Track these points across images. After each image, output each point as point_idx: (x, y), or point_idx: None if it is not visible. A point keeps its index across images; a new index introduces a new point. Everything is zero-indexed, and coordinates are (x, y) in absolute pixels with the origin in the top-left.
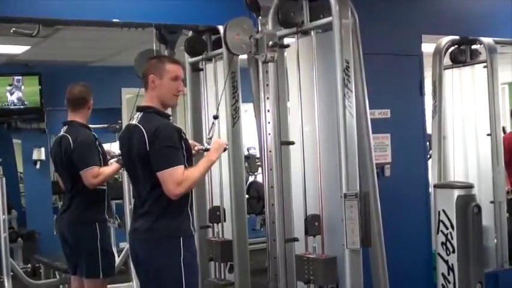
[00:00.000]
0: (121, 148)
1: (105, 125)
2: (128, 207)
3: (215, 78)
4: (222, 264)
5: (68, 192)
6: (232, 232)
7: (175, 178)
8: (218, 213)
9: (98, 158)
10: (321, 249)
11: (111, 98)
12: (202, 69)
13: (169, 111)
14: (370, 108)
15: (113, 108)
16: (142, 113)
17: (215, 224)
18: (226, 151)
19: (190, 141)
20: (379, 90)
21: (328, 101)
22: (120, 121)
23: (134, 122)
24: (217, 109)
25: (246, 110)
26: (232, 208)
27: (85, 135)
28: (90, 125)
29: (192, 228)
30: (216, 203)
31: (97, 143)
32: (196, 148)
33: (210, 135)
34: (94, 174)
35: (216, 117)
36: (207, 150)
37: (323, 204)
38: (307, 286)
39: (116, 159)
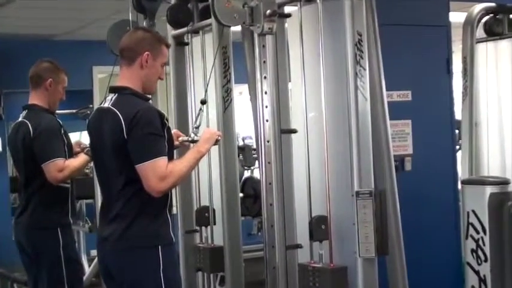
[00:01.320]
0: (90, 136)
1: (73, 110)
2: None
3: (203, 54)
4: (211, 275)
5: (24, 190)
6: (224, 237)
7: (158, 172)
8: (207, 214)
9: (63, 149)
10: (328, 258)
11: (80, 79)
12: (187, 44)
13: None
14: (387, 90)
15: (83, 91)
16: (116, 95)
17: (203, 228)
18: (218, 142)
19: (174, 131)
20: (398, 68)
21: (337, 82)
22: (91, 105)
23: (107, 104)
24: (206, 92)
25: (240, 92)
26: (223, 209)
27: (48, 122)
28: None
29: (171, 234)
30: (205, 202)
31: (62, 131)
32: (180, 139)
33: (197, 123)
34: (59, 168)
35: (203, 101)
36: (193, 141)
37: (331, 204)
38: None
39: (85, 150)
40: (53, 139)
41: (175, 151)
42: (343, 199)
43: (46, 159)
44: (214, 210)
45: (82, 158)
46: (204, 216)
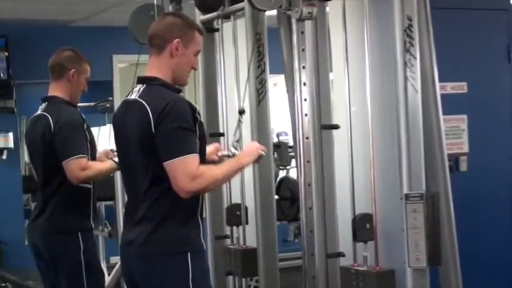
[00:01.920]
0: (114, 130)
1: (92, 103)
2: (122, 211)
3: (234, 41)
4: (243, 279)
5: (41, 190)
6: (257, 238)
7: (189, 170)
8: (238, 213)
9: (86, 146)
10: (374, 260)
11: (99, 68)
12: (217, 30)
13: None
14: (440, 81)
15: (102, 82)
16: (144, 86)
17: (234, 228)
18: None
19: (214, 145)
20: (452, 56)
21: (384, 72)
22: (110, 98)
23: (133, 96)
24: (240, 100)
25: (275, 84)
26: (257, 210)
27: (70, 115)
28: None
29: (202, 240)
30: (236, 200)
31: (85, 126)
32: (219, 153)
33: (237, 136)
34: (82, 166)
35: (242, 111)
36: (234, 156)
37: (377, 204)
38: None
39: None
40: (75, 134)
41: None
42: (390, 202)
43: (68, 155)
44: (246, 208)
45: (109, 163)
46: (236, 215)
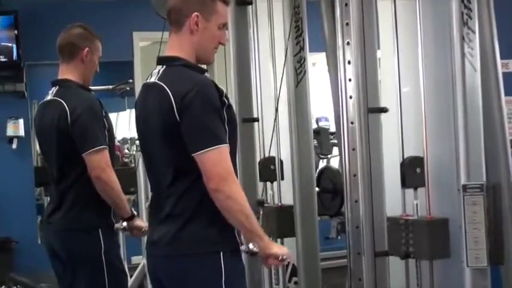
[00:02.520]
0: (136, 117)
1: (110, 86)
2: (145, 204)
3: (270, 15)
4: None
5: (56, 184)
6: (297, 240)
7: (223, 164)
8: (272, 167)
9: (105, 134)
10: (426, 208)
11: (118, 47)
12: (250, 3)
13: None
14: (501, 58)
15: (121, 62)
16: (164, 67)
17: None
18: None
19: None
20: None
21: (439, 48)
22: (131, 80)
23: (153, 79)
24: (280, 79)
25: (314, 64)
26: (296, 206)
27: (88, 102)
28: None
29: (238, 238)
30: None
31: (103, 113)
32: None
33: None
34: (106, 160)
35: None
36: (253, 253)
37: (430, 201)
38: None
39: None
40: (95, 123)
41: None
42: (446, 194)
43: (91, 146)
44: (281, 162)
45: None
46: (269, 169)
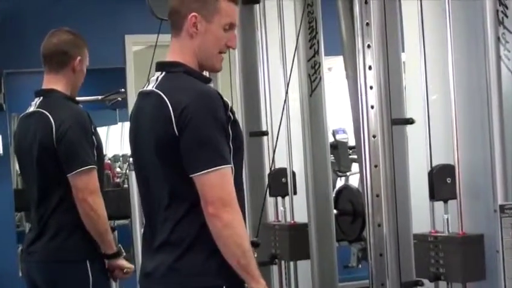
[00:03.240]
0: (129, 130)
1: (99, 97)
2: (139, 231)
3: (280, 15)
4: (291, 263)
5: (36, 208)
6: (312, 264)
7: (225, 188)
8: (284, 180)
9: (93, 153)
10: (457, 223)
11: (109, 52)
12: (258, 1)
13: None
14: None
15: (112, 69)
16: (164, 73)
17: (283, 262)
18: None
19: None
20: None
21: (471, 51)
22: (123, 89)
23: (150, 86)
24: (287, 81)
25: (329, 68)
26: (311, 226)
27: (76, 117)
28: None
29: None
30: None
31: (92, 128)
32: None
33: None
34: (95, 182)
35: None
36: None
37: (463, 223)
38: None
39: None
40: (83, 140)
41: None
42: (481, 216)
43: (78, 165)
44: (294, 174)
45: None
46: (281, 183)
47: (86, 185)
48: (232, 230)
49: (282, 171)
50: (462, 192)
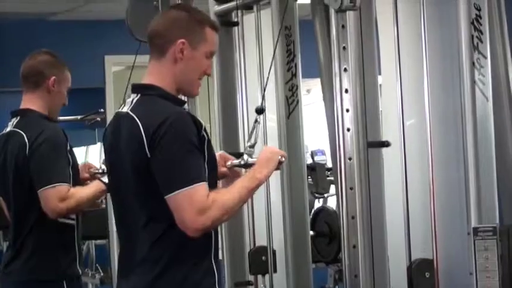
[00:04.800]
0: (105, 151)
1: (78, 117)
2: (116, 251)
3: (258, 38)
4: None
5: (14, 228)
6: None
7: (196, 203)
8: (264, 258)
9: (68, 171)
10: None
11: (88, 73)
12: (236, 24)
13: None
14: None
15: (92, 89)
16: (139, 96)
17: (259, 277)
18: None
19: (220, 153)
20: None
21: (446, 75)
22: (102, 109)
23: (126, 108)
24: (263, 95)
25: (308, 90)
26: (287, 252)
27: (50, 133)
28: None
29: None
30: (261, 242)
31: (68, 146)
32: (228, 163)
33: (253, 140)
34: (61, 196)
35: (260, 110)
36: (248, 166)
37: (438, 244)
38: None
39: (99, 175)
40: (56, 157)
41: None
42: (455, 238)
43: (45, 183)
44: (274, 252)
45: (95, 186)
46: (261, 261)
47: (54, 199)
48: (221, 219)
49: (263, 249)
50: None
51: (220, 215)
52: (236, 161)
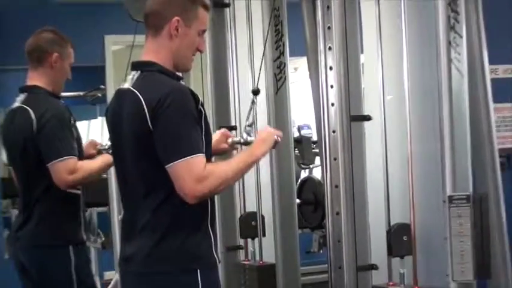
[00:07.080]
0: (108, 126)
1: (80, 93)
2: (117, 218)
3: (248, 18)
4: None
5: (23, 196)
6: (276, 253)
7: (195, 172)
8: (254, 223)
9: (74, 145)
10: (412, 278)
11: (89, 52)
12: (228, 5)
13: None
14: (490, 63)
15: (92, 68)
16: (139, 72)
17: (249, 241)
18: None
19: (222, 131)
20: (505, 35)
21: (424, 53)
22: (102, 86)
23: (127, 85)
24: (257, 77)
25: (295, 68)
26: (275, 218)
27: (55, 109)
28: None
29: (215, 254)
30: (251, 208)
31: (72, 121)
32: (230, 140)
33: (251, 120)
34: (70, 168)
35: (256, 91)
36: (247, 143)
37: (415, 211)
38: None
39: (105, 152)
40: (63, 132)
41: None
42: (431, 206)
43: (54, 157)
44: (263, 217)
45: (103, 158)
46: (251, 226)
47: (64, 171)
48: (218, 188)
49: (252, 215)
50: (417, 249)
51: (217, 184)
52: (236, 139)
